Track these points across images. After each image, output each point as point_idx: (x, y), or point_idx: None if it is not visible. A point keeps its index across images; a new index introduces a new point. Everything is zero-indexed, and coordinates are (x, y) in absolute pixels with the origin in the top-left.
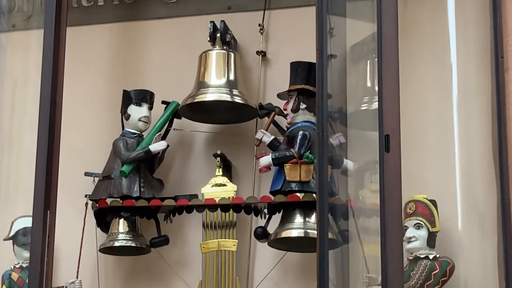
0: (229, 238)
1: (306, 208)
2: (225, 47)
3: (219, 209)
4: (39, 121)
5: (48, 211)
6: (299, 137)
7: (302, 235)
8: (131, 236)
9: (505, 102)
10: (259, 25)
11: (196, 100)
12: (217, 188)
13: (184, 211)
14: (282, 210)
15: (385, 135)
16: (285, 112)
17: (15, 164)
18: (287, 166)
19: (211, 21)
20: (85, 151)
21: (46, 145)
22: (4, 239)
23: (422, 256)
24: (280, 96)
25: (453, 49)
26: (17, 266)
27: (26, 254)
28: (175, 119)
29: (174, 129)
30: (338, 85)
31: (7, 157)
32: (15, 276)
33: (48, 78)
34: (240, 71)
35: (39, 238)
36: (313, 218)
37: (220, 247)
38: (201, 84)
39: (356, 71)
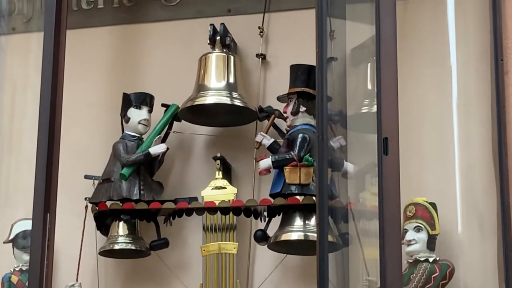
0: (229, 241)
1: (306, 211)
2: (225, 50)
3: (219, 212)
4: (39, 124)
5: (48, 214)
6: (299, 140)
7: (302, 238)
8: (131, 239)
9: (505, 105)
10: (259, 28)
11: (196, 103)
12: (217, 191)
13: (184, 214)
14: (282, 213)
15: (383, 138)
16: (285, 115)
17: (15, 166)
18: (286, 169)
19: (211, 24)
20: (85, 154)
21: (46, 148)
22: (4, 242)
23: (422, 259)
24: (279, 99)
25: (453, 52)
26: (16, 269)
27: (26, 257)
28: (175, 122)
29: (174, 132)
30: (339, 88)
31: (7, 160)
32: (15, 279)
33: (48, 81)
34: (240, 74)
35: (39, 241)
36: (313, 221)
37: (221, 250)
38: (201, 87)
39: (357, 74)
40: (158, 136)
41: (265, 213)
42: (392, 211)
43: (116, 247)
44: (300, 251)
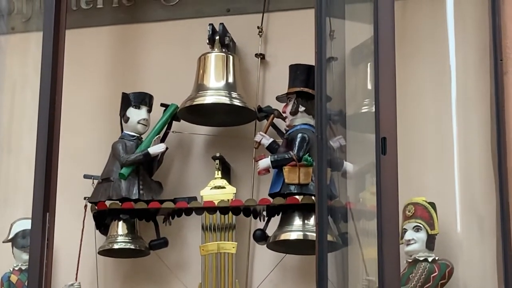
0: (228, 241)
1: (305, 210)
2: (224, 50)
3: (218, 211)
4: (38, 123)
5: (47, 213)
6: (298, 139)
7: (301, 237)
8: (130, 238)
9: (504, 105)
10: (258, 27)
11: (195, 103)
12: (216, 190)
13: (183, 214)
14: (281, 213)
15: (381, 137)
16: (284, 115)
17: (14, 166)
18: (286, 169)
19: (210, 24)
20: (84, 154)
21: (45, 147)
22: (3, 241)
23: (421, 258)
24: (279, 98)
25: (452, 52)
26: (16, 268)
27: (25, 256)
28: (174, 122)
29: (173, 131)
30: (338, 88)
31: (6, 159)
32: (14, 278)
33: (47, 81)
34: (239, 73)
35: (38, 240)
36: (312, 221)
37: (220, 249)
38: (200, 87)
39: (357, 74)
40: (157, 136)
41: (264, 213)
42: (390, 210)
43: (116, 246)
44: (299, 251)
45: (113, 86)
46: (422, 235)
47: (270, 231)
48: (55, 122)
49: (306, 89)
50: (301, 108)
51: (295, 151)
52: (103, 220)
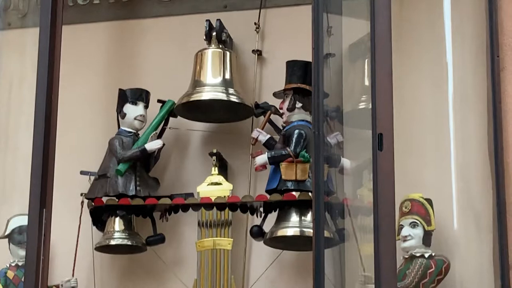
0: (224, 237)
1: (302, 207)
2: (221, 46)
3: (215, 207)
4: (35, 120)
5: (44, 210)
6: (295, 136)
7: (298, 234)
8: (127, 234)
9: (501, 101)
10: (255, 23)
11: (192, 99)
12: (213, 186)
13: (180, 210)
14: (278, 209)
15: (378, 134)
16: (281, 111)
17: (11, 162)
18: (283, 165)
19: (206, 20)
20: (80, 150)
21: (42, 144)
22: (0, 237)
23: (418, 254)
24: (276, 95)
25: (449, 48)
26: (12, 264)
27: (22, 252)
28: (171, 118)
29: (170, 128)
30: (336, 84)
31: (3, 156)
32: (10, 274)
33: (43, 77)
34: (236, 70)
35: (35, 236)
36: (309, 217)
37: (215, 246)
38: (196, 83)
39: (354, 70)
40: (154, 132)
41: (261, 209)
42: (387, 207)
43: (112, 242)
44: (296, 247)
45: (110, 82)
46: (418, 231)
47: (267, 228)
48: (52, 118)
49: (303, 85)
50: (298, 104)
51: (292, 147)
52: (99, 216)
